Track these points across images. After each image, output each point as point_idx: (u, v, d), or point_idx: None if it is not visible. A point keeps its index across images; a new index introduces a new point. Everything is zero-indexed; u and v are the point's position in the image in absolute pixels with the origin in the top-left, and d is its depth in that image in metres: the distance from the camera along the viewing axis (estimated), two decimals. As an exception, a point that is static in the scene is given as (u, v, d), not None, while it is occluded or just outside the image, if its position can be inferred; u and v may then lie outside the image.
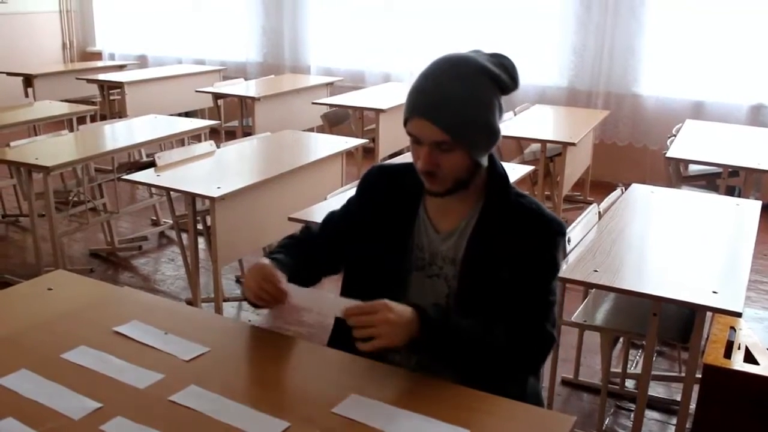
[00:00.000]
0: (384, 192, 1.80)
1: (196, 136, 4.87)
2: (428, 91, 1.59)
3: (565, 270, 2.43)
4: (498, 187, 1.71)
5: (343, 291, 1.83)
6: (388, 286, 1.70)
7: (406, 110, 1.62)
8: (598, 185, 5.83)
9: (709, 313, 2.44)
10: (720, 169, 4.24)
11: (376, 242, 1.76)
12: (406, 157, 1.73)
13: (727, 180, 4.19)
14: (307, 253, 1.86)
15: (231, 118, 6.42)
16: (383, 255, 1.75)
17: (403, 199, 1.76)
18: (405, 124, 1.63)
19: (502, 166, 1.74)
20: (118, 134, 4.56)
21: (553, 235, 1.69)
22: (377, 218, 1.77)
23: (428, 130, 1.57)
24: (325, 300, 1.61)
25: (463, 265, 1.69)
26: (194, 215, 3.48)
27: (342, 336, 1.78)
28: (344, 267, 1.87)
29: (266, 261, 1.70)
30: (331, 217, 1.94)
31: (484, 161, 1.66)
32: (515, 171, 3.67)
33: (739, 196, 4.06)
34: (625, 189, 3.37)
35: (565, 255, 2.32)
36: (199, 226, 3.61)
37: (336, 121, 5.80)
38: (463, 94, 1.57)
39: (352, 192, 1.92)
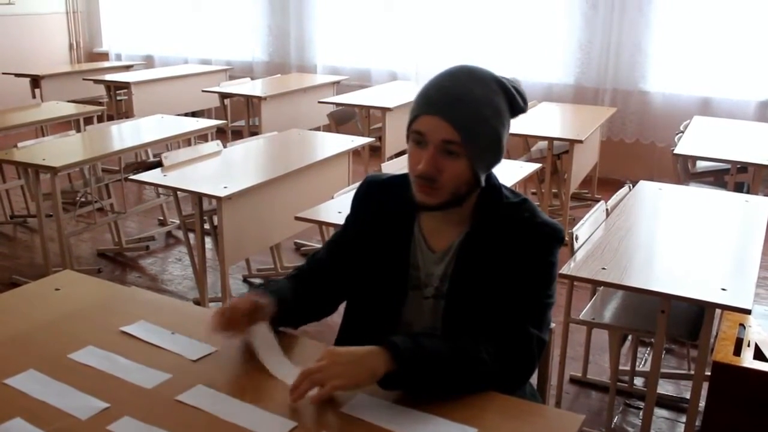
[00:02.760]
0: (378, 207, 1.73)
1: (202, 136, 4.88)
2: (445, 89, 1.53)
3: (573, 268, 2.42)
4: (489, 198, 1.63)
5: (345, 311, 1.81)
6: (385, 306, 1.68)
7: (417, 107, 1.55)
8: (605, 182, 5.82)
9: (718, 311, 2.43)
10: (728, 166, 4.22)
11: (372, 260, 1.70)
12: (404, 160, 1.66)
13: (736, 176, 4.17)
14: (311, 286, 1.78)
15: (237, 118, 6.43)
16: (380, 273, 1.69)
17: (397, 214, 1.68)
18: (411, 123, 1.56)
19: (497, 178, 1.66)
20: (125, 134, 4.56)
21: (544, 238, 1.60)
22: (373, 235, 1.71)
23: (438, 127, 1.50)
24: (279, 362, 1.53)
25: (452, 284, 1.63)
26: (201, 215, 3.49)
27: (350, 336, 1.79)
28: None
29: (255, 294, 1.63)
30: (334, 240, 1.85)
31: (483, 179, 1.59)
32: (522, 169, 3.67)
33: (747, 192, 4.04)
34: (633, 186, 3.35)
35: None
36: (206, 226, 3.61)
37: (342, 120, 5.80)
38: (480, 95, 1.52)
39: None
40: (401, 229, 1.68)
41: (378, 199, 1.75)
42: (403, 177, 1.67)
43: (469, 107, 1.50)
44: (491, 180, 1.65)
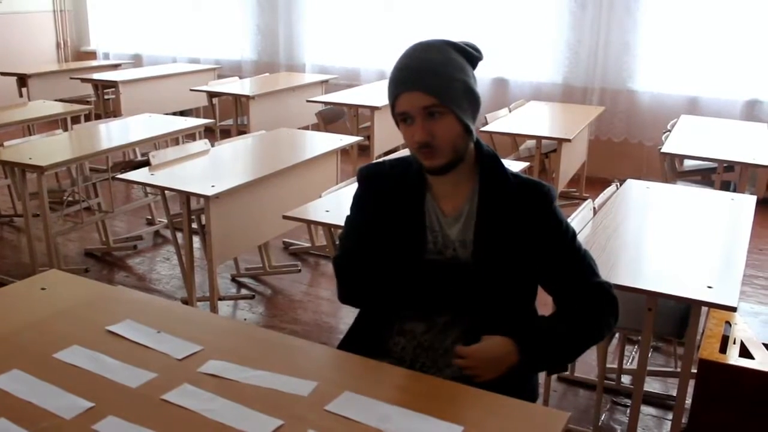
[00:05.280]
0: (387, 183, 1.83)
1: (190, 135, 4.86)
2: (407, 66, 1.68)
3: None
4: (490, 164, 1.78)
5: None
6: (407, 272, 1.76)
7: (392, 92, 1.70)
8: (593, 181, 5.83)
9: (704, 308, 2.44)
10: (715, 164, 4.24)
11: (390, 233, 1.79)
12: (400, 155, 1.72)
13: (722, 175, 4.19)
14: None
15: (226, 117, 6.41)
16: (399, 243, 1.78)
17: (407, 187, 1.80)
18: (393, 108, 1.70)
19: (488, 146, 1.81)
20: (112, 133, 4.54)
21: (549, 196, 1.78)
22: (386, 211, 1.81)
23: (415, 98, 1.65)
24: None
25: (475, 246, 1.74)
26: (189, 214, 3.47)
27: (355, 340, 1.87)
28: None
29: None
30: (356, 226, 1.88)
31: (473, 129, 1.72)
32: (510, 167, 3.66)
33: (734, 190, 4.06)
34: (621, 185, 3.36)
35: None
36: (194, 225, 3.60)
37: (331, 118, 5.79)
38: (438, 59, 1.67)
39: (347, 190, 1.93)
40: (413, 200, 1.79)
41: (382, 178, 1.85)
42: (398, 159, 1.85)
43: (432, 72, 1.65)
44: (483, 145, 1.79)
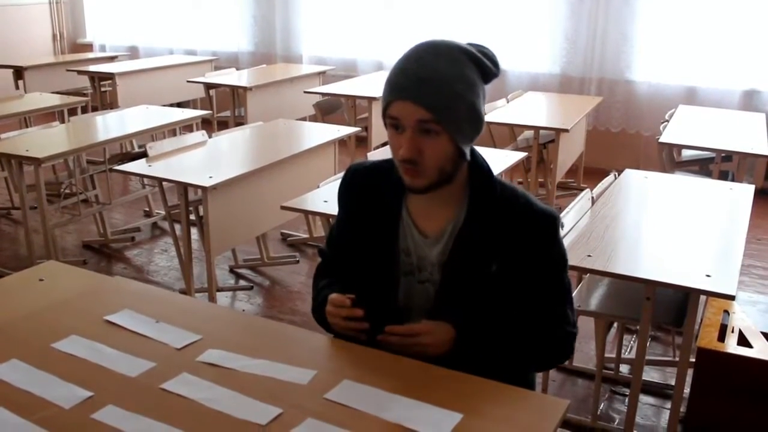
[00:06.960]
0: (364, 193, 1.72)
1: (187, 127, 4.85)
2: (409, 71, 1.49)
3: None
4: (482, 182, 1.62)
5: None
6: (377, 292, 1.67)
7: (387, 95, 1.53)
8: (591, 172, 5.82)
9: (702, 297, 2.44)
10: (713, 154, 4.24)
11: (363, 248, 1.70)
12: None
13: (720, 165, 4.19)
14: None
15: (223, 108, 6.39)
16: (370, 260, 1.68)
17: (384, 199, 1.68)
18: (385, 111, 1.54)
19: (484, 159, 1.64)
20: (109, 125, 4.53)
21: (551, 228, 1.62)
22: (361, 222, 1.70)
23: (410, 110, 1.48)
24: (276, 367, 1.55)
25: (446, 268, 1.62)
26: (186, 205, 3.47)
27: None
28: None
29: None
30: (333, 236, 1.84)
31: (468, 152, 1.56)
32: (508, 158, 3.67)
33: (732, 180, 4.07)
34: (619, 175, 3.36)
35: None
36: (192, 217, 3.59)
37: (328, 109, 5.78)
38: (447, 71, 1.48)
39: None
40: (388, 215, 1.67)
41: (363, 186, 1.73)
42: (387, 162, 1.67)
43: (438, 86, 1.47)
44: (480, 161, 1.63)
